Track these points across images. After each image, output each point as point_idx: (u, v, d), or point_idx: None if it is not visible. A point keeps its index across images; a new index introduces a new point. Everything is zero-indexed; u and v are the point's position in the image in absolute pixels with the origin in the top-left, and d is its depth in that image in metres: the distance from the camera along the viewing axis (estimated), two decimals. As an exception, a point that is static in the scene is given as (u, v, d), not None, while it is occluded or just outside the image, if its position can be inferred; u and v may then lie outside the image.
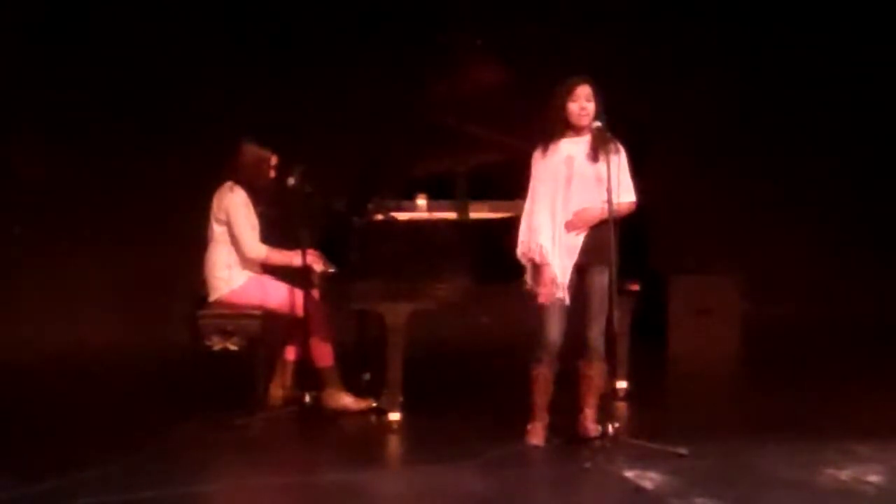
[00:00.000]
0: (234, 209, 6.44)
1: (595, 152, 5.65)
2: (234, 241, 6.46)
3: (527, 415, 5.83)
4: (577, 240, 5.70)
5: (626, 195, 5.69)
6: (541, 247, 5.66)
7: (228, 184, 6.50)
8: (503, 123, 6.51)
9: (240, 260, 6.47)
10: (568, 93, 5.66)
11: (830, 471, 5.35)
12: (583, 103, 5.65)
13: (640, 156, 5.92)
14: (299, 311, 6.43)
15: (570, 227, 5.67)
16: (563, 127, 5.71)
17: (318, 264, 6.49)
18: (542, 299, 5.65)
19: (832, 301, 9.53)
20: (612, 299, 5.61)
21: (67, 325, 8.73)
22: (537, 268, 5.69)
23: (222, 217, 6.47)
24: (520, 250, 5.75)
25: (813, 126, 9.73)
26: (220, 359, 6.41)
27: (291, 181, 6.35)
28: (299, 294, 6.44)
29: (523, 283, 5.74)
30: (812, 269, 9.69)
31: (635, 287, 6.68)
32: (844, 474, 5.31)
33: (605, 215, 5.58)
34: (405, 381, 6.16)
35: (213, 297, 6.49)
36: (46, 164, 8.84)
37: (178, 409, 6.48)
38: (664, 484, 5.18)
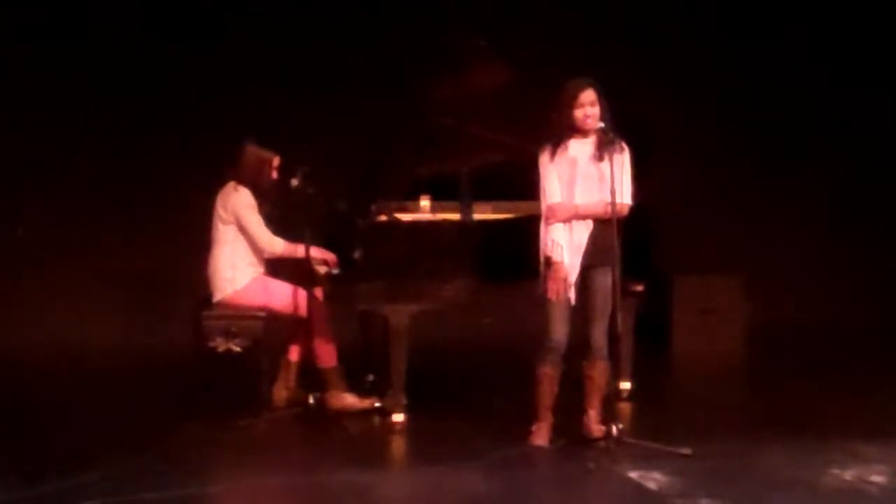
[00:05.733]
0: (243, 207, 6.44)
1: (600, 152, 5.66)
2: (249, 239, 6.45)
3: (531, 415, 5.82)
4: (584, 240, 5.69)
5: (624, 197, 5.67)
6: (555, 243, 5.66)
7: (232, 184, 6.50)
8: (506, 124, 6.50)
9: (244, 260, 6.47)
10: (572, 98, 5.66)
11: (834, 471, 5.34)
12: (587, 110, 5.65)
13: (644, 156, 5.91)
14: (303, 312, 6.44)
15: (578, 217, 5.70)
16: (568, 130, 5.71)
17: (329, 265, 6.49)
18: (551, 295, 5.64)
19: (835, 301, 9.53)
20: (616, 300, 5.62)
21: (70, 326, 8.74)
22: (551, 265, 5.69)
23: (227, 217, 6.46)
24: (541, 250, 5.75)
25: (816, 127, 9.72)
26: (223, 360, 6.41)
27: (294, 182, 6.36)
28: (303, 295, 6.44)
29: (539, 284, 5.72)
30: (815, 270, 9.68)
31: (639, 287, 6.69)
32: (848, 474, 5.30)
33: (606, 213, 5.59)
34: (409, 382, 6.15)
35: (216, 297, 6.48)
36: (47, 166, 8.88)
37: (182, 410, 6.49)
38: (668, 484, 5.17)
